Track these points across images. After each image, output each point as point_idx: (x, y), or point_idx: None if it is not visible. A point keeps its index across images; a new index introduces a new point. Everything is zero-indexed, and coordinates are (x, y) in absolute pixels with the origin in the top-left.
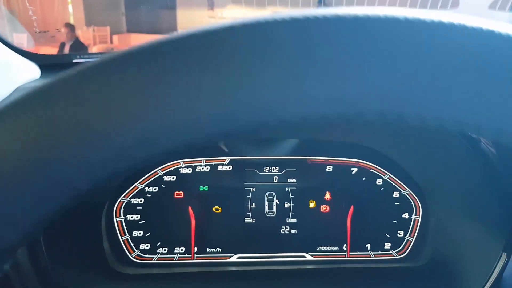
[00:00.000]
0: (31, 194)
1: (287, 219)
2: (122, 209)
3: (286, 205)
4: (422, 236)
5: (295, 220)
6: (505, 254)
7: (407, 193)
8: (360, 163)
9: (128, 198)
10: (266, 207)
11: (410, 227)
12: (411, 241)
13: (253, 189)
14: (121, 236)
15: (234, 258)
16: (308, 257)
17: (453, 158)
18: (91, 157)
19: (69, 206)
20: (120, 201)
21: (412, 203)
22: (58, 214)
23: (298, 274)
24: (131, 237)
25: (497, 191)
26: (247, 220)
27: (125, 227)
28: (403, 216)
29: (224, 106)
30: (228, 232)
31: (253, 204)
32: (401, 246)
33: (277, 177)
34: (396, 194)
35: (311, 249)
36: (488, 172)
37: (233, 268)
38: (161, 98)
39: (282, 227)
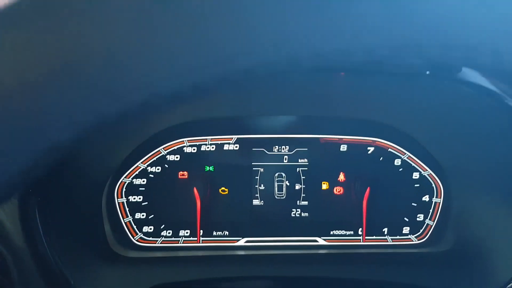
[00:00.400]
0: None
1: (298, 201)
2: (124, 190)
3: (297, 187)
4: (443, 220)
5: (307, 202)
6: None
7: (427, 174)
8: (377, 142)
9: (130, 179)
10: (276, 189)
11: (431, 210)
12: (431, 225)
13: (261, 169)
14: (123, 218)
15: (242, 242)
16: (321, 241)
17: (480, 135)
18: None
19: (51, 160)
20: (121, 181)
21: (433, 185)
22: (41, 170)
23: (310, 259)
24: (134, 219)
25: None
26: (256, 202)
27: (127, 209)
28: (423, 198)
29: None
30: (235, 215)
31: (262, 185)
32: (421, 230)
33: (287, 157)
34: (415, 175)
35: (323, 233)
36: None
37: (241, 252)
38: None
39: (293, 209)
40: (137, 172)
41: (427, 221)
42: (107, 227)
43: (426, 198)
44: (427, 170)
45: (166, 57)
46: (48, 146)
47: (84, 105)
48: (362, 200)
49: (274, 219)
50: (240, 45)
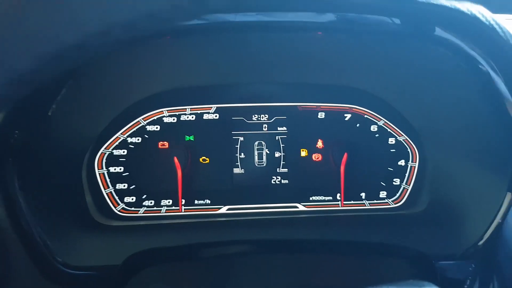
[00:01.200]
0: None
1: (277, 169)
2: (104, 161)
3: (277, 155)
4: (419, 184)
5: (286, 169)
6: (510, 194)
7: (403, 139)
8: (353, 109)
9: (110, 150)
10: (256, 157)
11: (407, 174)
12: (407, 189)
13: (241, 138)
14: (104, 189)
15: (223, 209)
16: (301, 207)
17: (453, 99)
18: None
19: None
20: (101, 152)
21: (409, 150)
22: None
23: (290, 223)
24: (115, 190)
25: (502, 128)
26: (236, 170)
27: (108, 180)
28: (399, 163)
29: None
30: (216, 183)
31: (242, 154)
32: (398, 194)
33: (266, 125)
34: (391, 140)
35: (303, 199)
36: (492, 108)
37: (223, 219)
38: None
39: (273, 177)
40: (117, 143)
41: (403, 185)
42: (88, 198)
43: (402, 162)
44: (402, 136)
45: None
46: (10, 76)
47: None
48: (340, 166)
49: (255, 187)
50: None
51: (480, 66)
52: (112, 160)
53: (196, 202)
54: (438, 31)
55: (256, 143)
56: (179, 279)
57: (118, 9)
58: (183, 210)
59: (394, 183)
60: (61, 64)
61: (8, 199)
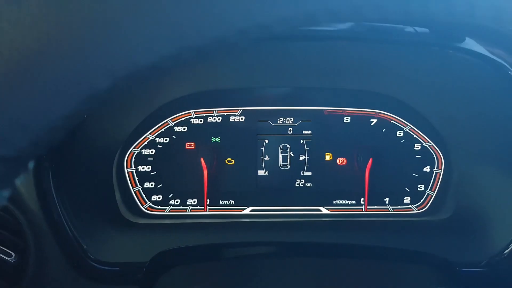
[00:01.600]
0: (41, 93)
1: (301, 172)
2: (133, 160)
3: (301, 158)
4: (444, 190)
5: (310, 173)
6: None
7: (429, 146)
8: (379, 114)
9: (139, 149)
10: (280, 160)
11: (432, 180)
12: (432, 195)
13: (266, 141)
14: (132, 187)
15: (247, 210)
16: (324, 210)
17: (480, 106)
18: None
19: (89, 107)
20: (130, 151)
21: (434, 156)
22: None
23: (313, 227)
24: (143, 188)
25: None
26: (260, 172)
27: (136, 178)
28: (424, 169)
29: None
30: (241, 185)
31: (267, 156)
32: (422, 200)
33: (291, 128)
34: (417, 146)
35: (326, 203)
36: None
37: (246, 220)
38: None
39: (297, 180)
40: (145, 143)
41: (427, 191)
42: (117, 196)
43: (427, 169)
44: (428, 142)
45: (168, 21)
46: (88, 94)
47: (117, 57)
48: (364, 170)
49: (279, 189)
50: (236, 8)
51: (510, 73)
52: (141, 159)
53: (220, 202)
54: (467, 41)
55: (281, 145)
56: (203, 278)
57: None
58: (207, 210)
59: (418, 189)
60: (135, 83)
61: (43, 196)
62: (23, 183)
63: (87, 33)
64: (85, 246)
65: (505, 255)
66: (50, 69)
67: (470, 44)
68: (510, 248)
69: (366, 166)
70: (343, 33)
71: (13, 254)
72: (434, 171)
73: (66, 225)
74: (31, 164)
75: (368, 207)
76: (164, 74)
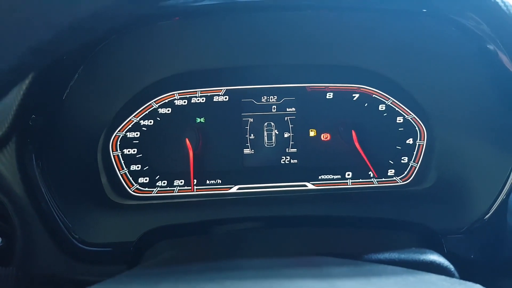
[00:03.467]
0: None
1: (287, 149)
2: (118, 143)
3: (286, 135)
4: (427, 161)
5: (295, 149)
6: None
7: (411, 118)
8: (361, 89)
9: (123, 132)
10: (265, 138)
11: (415, 152)
12: (415, 167)
13: (251, 119)
14: (119, 170)
15: (234, 189)
16: (310, 186)
17: (461, 77)
18: None
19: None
20: (115, 135)
21: (417, 128)
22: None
23: (299, 200)
24: (129, 171)
25: (509, 107)
26: (246, 151)
27: (122, 161)
28: (407, 141)
29: None
30: (227, 164)
31: (252, 135)
32: (405, 172)
33: (275, 106)
34: (399, 119)
35: (312, 178)
36: (499, 87)
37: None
38: None
39: (282, 157)
40: (130, 126)
41: (411, 163)
42: (103, 179)
43: (410, 141)
44: (410, 114)
45: None
46: (32, 45)
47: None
48: (349, 145)
49: (265, 167)
50: None
51: (488, 46)
52: (126, 142)
53: (207, 182)
54: (445, 10)
55: (266, 124)
56: (191, 249)
57: None
58: (195, 190)
59: (402, 161)
60: (75, 36)
61: (27, 179)
62: (7, 166)
63: None
64: (71, 228)
65: (485, 221)
66: None
67: (444, 11)
68: (489, 214)
69: (350, 141)
70: (320, 2)
71: (0, 238)
72: (417, 143)
73: (52, 208)
74: (13, 147)
75: (352, 180)
76: (110, 24)
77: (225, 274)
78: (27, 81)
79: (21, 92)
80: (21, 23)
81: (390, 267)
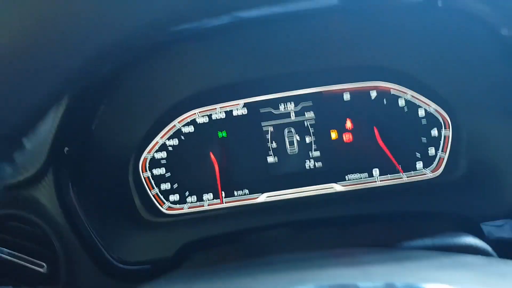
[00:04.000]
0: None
1: (310, 153)
2: (147, 164)
3: (307, 140)
4: (455, 150)
5: (318, 153)
6: None
7: (433, 109)
8: (379, 87)
9: (151, 154)
10: (287, 144)
11: (441, 143)
12: (444, 157)
13: (271, 128)
14: (150, 191)
15: (262, 197)
16: (338, 187)
17: (477, 62)
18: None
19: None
20: (144, 157)
21: (440, 118)
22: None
23: (328, 202)
24: (160, 190)
25: None
26: (270, 159)
27: (152, 181)
28: (432, 133)
29: None
30: (252, 174)
31: (274, 143)
32: (435, 163)
33: (293, 113)
34: (421, 112)
35: (339, 179)
36: None
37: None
38: None
39: (306, 161)
40: (157, 147)
41: (439, 153)
42: (137, 200)
43: (435, 132)
44: (431, 106)
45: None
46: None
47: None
48: (373, 142)
49: (290, 173)
50: None
51: (500, 30)
52: (154, 163)
53: (235, 193)
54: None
55: (286, 130)
56: (224, 253)
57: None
58: (224, 202)
59: (430, 153)
60: (104, 64)
61: (65, 205)
62: (46, 195)
63: (57, 24)
64: (110, 249)
65: None
66: (30, 58)
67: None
68: None
69: (373, 138)
70: (327, 8)
71: (44, 265)
72: (443, 133)
73: (90, 231)
74: (51, 177)
75: (381, 177)
76: (130, 53)
77: (258, 269)
78: (58, 114)
79: (54, 125)
80: (48, 53)
81: (424, 252)
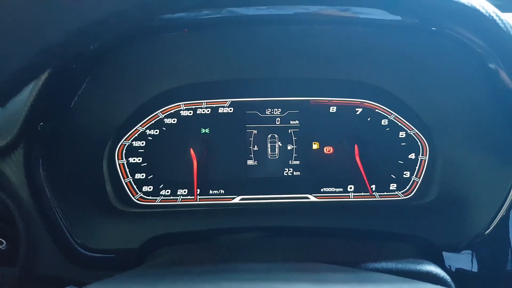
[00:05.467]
0: None
1: (290, 161)
2: (124, 151)
3: (289, 147)
4: (429, 176)
5: (298, 162)
6: None
7: (413, 133)
8: (365, 103)
9: (129, 141)
10: (269, 149)
11: (417, 167)
12: (417, 182)
13: (255, 131)
14: (123, 179)
15: (237, 199)
16: (312, 198)
17: (462, 93)
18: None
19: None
20: (121, 143)
21: (419, 143)
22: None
23: (301, 211)
24: (134, 180)
25: (510, 123)
26: (250, 162)
27: (127, 170)
28: (409, 156)
29: None
30: (230, 174)
31: (255, 146)
32: (407, 186)
33: (279, 119)
34: (402, 134)
35: (314, 191)
36: (500, 104)
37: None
38: None
39: (285, 169)
40: (136, 135)
41: (413, 177)
42: (108, 187)
43: (412, 156)
44: (413, 129)
45: None
46: (41, 47)
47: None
48: (351, 158)
49: (268, 178)
50: None
51: (488, 64)
52: (132, 151)
53: (210, 192)
54: (445, 26)
55: (269, 136)
56: (190, 253)
57: None
58: (198, 200)
59: (404, 175)
60: (86, 39)
61: (33, 184)
62: (14, 171)
63: None
64: (74, 233)
65: (485, 236)
66: (3, 23)
67: (448, 29)
68: (489, 230)
69: (352, 155)
70: (322, 17)
71: (4, 242)
72: (419, 158)
73: (56, 213)
74: (21, 152)
75: (355, 194)
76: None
77: (222, 276)
78: (36, 88)
79: (31, 98)
80: (31, 25)
81: (386, 275)
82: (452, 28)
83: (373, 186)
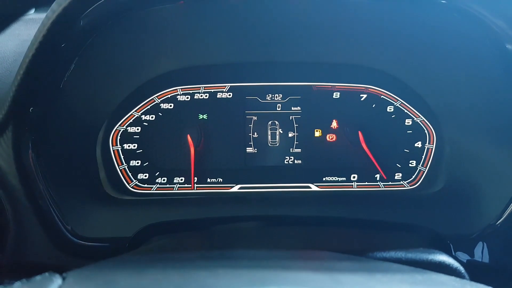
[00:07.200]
0: None
1: (291, 149)
2: (119, 137)
3: (290, 135)
4: (436, 166)
5: (300, 150)
6: None
7: (420, 121)
8: (369, 89)
9: (124, 127)
10: (269, 137)
11: (423, 156)
12: (424, 171)
13: (254, 117)
14: (118, 166)
15: (235, 188)
16: (313, 187)
17: (471, 77)
18: None
19: None
20: (116, 129)
21: (426, 131)
22: None
23: (302, 201)
24: (129, 167)
25: None
26: (249, 150)
27: (122, 156)
28: (416, 145)
29: None
30: (229, 162)
31: (255, 133)
32: (413, 176)
33: (280, 105)
34: (408, 121)
35: (316, 180)
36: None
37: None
38: None
39: (286, 157)
40: (131, 120)
41: (419, 167)
42: (102, 173)
43: (418, 144)
44: (419, 117)
45: None
46: None
47: None
48: (355, 146)
49: (268, 166)
50: None
51: (506, 45)
52: (127, 137)
53: (208, 180)
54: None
55: (270, 122)
56: (185, 240)
57: None
58: (195, 188)
59: (410, 165)
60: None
61: (23, 169)
62: (3, 156)
63: None
64: (65, 221)
65: (497, 226)
66: None
67: (466, 4)
68: (502, 219)
69: (356, 142)
70: None
71: None
72: (426, 147)
73: (46, 200)
74: (10, 136)
75: (358, 183)
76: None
77: (219, 263)
78: (24, 66)
79: (18, 77)
80: None
81: (396, 265)
82: (470, 3)
83: (377, 175)
